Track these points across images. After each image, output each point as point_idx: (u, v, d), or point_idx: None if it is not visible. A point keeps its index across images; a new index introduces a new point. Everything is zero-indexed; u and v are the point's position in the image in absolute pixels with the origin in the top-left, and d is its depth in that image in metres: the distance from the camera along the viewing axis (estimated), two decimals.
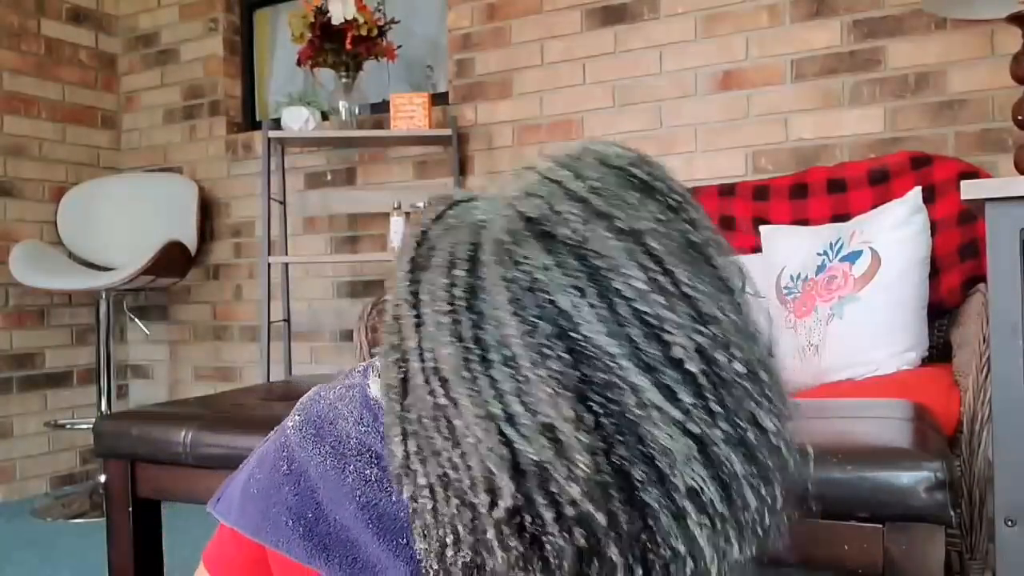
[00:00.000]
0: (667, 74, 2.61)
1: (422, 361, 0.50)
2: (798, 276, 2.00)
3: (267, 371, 2.79)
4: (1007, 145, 2.14)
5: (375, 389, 0.68)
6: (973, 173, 2.02)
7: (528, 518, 0.46)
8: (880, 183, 2.14)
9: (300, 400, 0.75)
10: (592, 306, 0.46)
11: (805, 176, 2.27)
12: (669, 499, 0.46)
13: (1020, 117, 1.70)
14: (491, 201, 0.54)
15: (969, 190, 1.31)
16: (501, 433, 0.46)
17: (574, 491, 0.44)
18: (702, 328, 0.47)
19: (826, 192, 2.22)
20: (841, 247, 1.92)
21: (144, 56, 3.60)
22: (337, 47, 2.78)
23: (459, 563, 0.49)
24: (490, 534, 0.46)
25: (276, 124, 3.04)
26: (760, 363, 0.50)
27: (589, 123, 2.73)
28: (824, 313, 1.87)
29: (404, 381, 0.51)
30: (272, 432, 0.76)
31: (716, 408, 0.47)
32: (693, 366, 0.47)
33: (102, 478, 2.85)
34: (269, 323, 2.83)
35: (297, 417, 0.73)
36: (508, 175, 0.56)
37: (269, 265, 2.86)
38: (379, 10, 2.94)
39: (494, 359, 0.47)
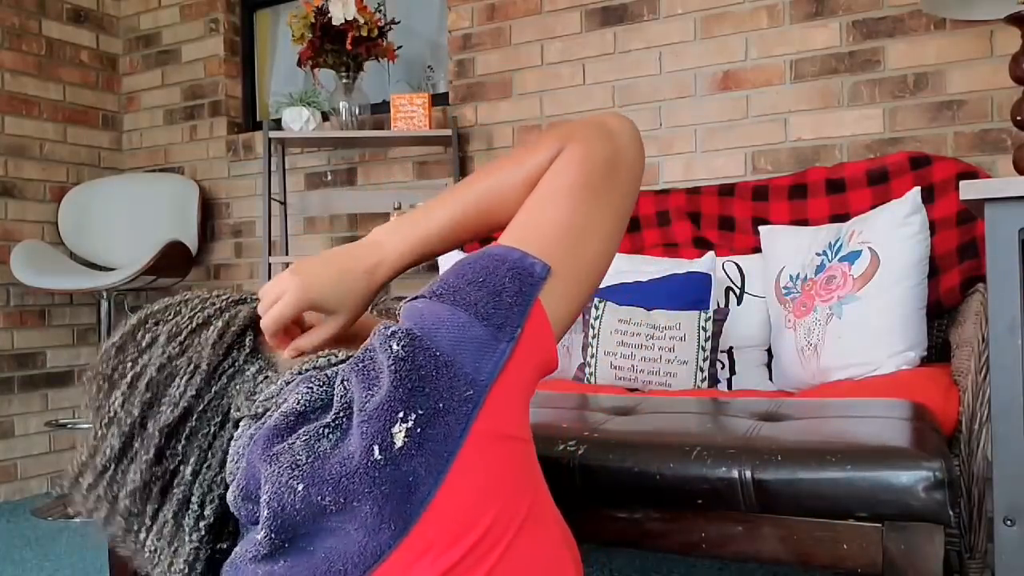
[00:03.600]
0: (667, 75, 2.61)
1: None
2: (797, 276, 2.00)
3: None
4: (1006, 145, 2.15)
5: None
6: (972, 173, 2.03)
7: None
8: (879, 183, 2.14)
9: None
10: None
11: (804, 176, 2.28)
12: None
13: (1019, 117, 1.71)
14: None
15: (968, 190, 1.32)
16: None
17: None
18: None
19: (825, 192, 2.22)
20: (840, 247, 1.92)
21: (145, 56, 3.60)
22: (337, 48, 2.78)
23: None
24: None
25: (277, 124, 3.04)
26: None
27: None
28: (823, 313, 1.87)
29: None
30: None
31: None
32: None
33: None
34: None
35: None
36: None
37: (270, 265, 2.87)
38: (379, 11, 2.94)
39: None
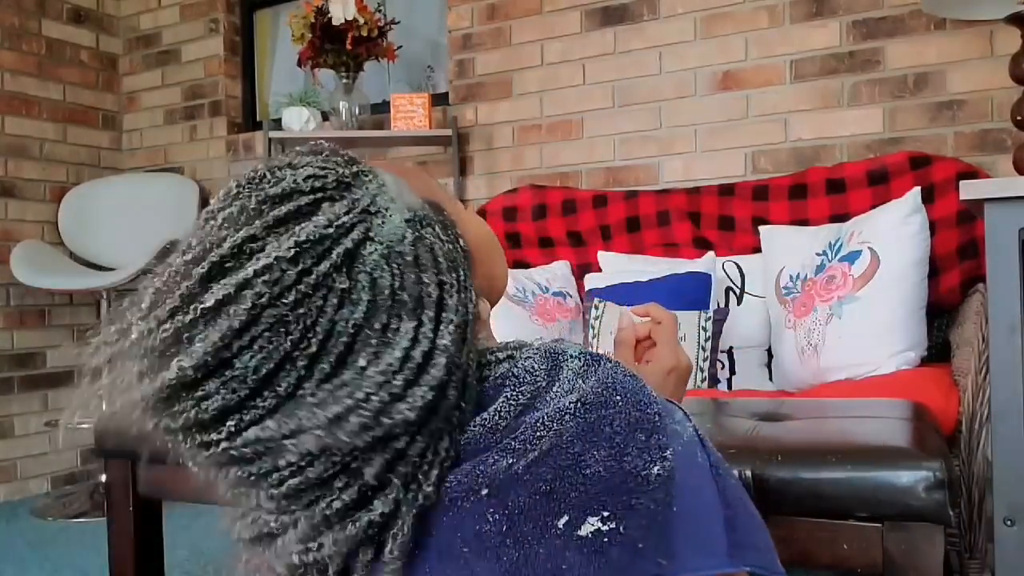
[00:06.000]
0: (667, 74, 2.61)
1: None
2: (797, 276, 2.00)
3: None
4: (1006, 145, 2.14)
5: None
6: (972, 173, 2.03)
7: None
8: (879, 183, 2.14)
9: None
10: None
11: (804, 176, 2.28)
12: None
13: (1019, 117, 1.71)
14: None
15: (968, 190, 1.32)
16: None
17: None
18: None
19: (825, 192, 2.22)
20: (840, 247, 1.92)
21: (145, 56, 3.60)
22: (337, 48, 2.78)
23: None
24: None
25: (277, 124, 3.04)
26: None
27: (589, 123, 2.74)
28: (823, 313, 1.87)
29: None
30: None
31: None
32: None
33: (103, 478, 2.86)
34: None
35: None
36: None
37: None
38: (379, 11, 2.94)
39: None
